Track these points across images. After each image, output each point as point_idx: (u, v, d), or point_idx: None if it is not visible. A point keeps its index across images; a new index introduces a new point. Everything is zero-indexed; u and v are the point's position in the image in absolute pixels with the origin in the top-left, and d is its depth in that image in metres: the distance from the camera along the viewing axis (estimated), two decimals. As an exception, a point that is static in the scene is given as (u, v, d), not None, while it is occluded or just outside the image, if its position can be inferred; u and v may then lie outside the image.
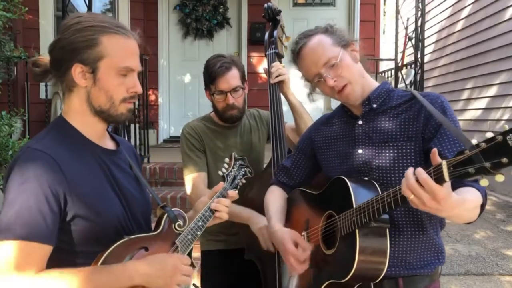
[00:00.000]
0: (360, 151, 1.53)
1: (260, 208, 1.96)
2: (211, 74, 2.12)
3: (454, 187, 1.31)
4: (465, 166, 1.02)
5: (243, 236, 2.09)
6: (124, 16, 6.40)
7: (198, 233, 1.43)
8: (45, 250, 1.15)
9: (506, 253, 4.00)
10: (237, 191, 1.60)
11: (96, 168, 1.30)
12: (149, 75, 5.11)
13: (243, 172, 1.67)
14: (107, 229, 1.26)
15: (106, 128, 1.39)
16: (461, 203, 1.22)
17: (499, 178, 0.98)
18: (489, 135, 0.99)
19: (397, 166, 1.46)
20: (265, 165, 2.24)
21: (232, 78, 2.12)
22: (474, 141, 1.01)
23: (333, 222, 1.47)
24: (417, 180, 1.13)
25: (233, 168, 1.64)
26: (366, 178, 1.50)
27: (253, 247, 2.03)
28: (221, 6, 6.60)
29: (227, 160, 1.67)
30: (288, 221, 1.73)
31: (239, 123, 2.27)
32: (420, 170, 1.13)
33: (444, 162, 1.07)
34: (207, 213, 1.46)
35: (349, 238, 1.38)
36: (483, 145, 0.99)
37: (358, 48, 1.57)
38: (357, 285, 1.44)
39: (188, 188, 2.14)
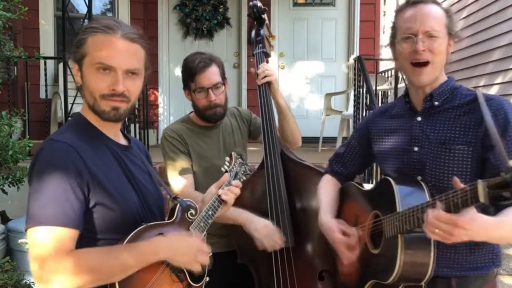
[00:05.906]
0: (416, 149, 1.50)
1: (253, 209, 1.93)
2: (191, 70, 2.06)
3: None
4: (501, 189, 0.96)
5: (234, 238, 2.04)
6: (124, 16, 6.39)
7: (209, 221, 1.50)
8: (74, 234, 1.23)
9: (506, 253, 3.99)
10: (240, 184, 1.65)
11: (113, 161, 1.37)
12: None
13: (244, 169, 1.73)
14: (126, 218, 1.32)
15: (119, 126, 1.47)
16: (498, 224, 1.19)
17: None
18: None
19: (451, 169, 1.42)
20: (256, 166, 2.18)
21: (213, 74, 2.06)
22: (511, 163, 0.96)
23: (379, 223, 1.47)
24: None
25: (234, 165, 1.69)
26: (419, 178, 1.47)
27: (246, 250, 1.99)
28: (221, 6, 6.59)
29: (227, 158, 1.70)
30: (340, 213, 1.73)
31: (221, 122, 2.20)
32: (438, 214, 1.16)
33: (479, 182, 1.01)
34: (216, 203, 1.52)
35: (392, 242, 1.38)
36: None
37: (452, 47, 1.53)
38: (402, 286, 1.44)
39: (176, 192, 2.05)
